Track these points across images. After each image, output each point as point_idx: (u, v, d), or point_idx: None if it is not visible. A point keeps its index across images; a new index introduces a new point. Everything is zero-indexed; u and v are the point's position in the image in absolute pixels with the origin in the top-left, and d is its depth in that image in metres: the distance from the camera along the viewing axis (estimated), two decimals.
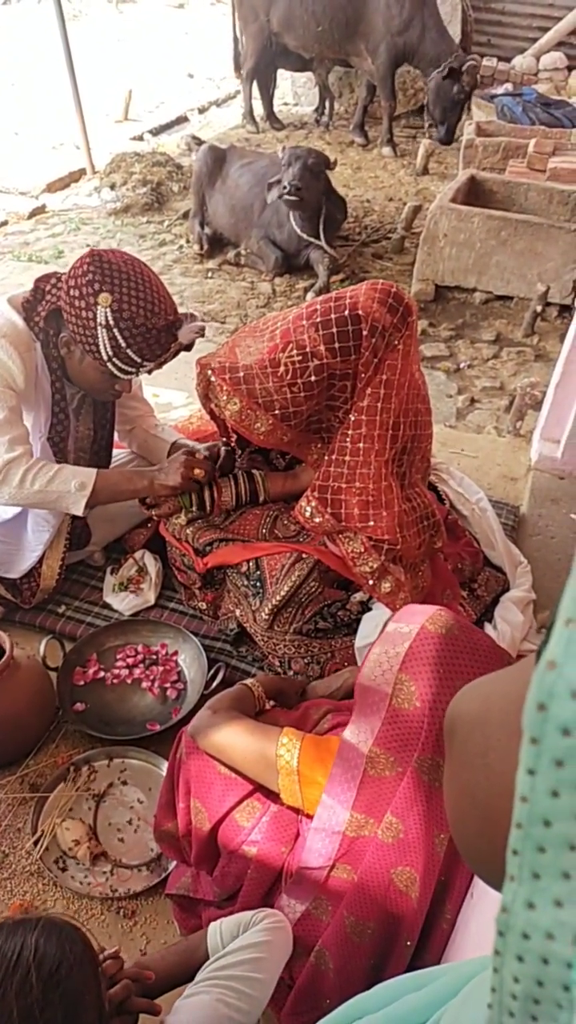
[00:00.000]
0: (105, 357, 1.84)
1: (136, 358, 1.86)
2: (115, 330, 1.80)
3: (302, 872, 1.29)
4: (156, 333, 1.84)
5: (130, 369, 1.89)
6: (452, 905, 1.25)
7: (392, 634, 1.24)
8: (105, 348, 1.83)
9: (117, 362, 1.86)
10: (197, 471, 2.03)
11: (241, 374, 1.80)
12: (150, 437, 2.33)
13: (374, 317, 1.74)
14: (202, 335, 1.97)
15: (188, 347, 1.96)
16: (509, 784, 0.36)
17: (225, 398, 1.82)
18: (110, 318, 1.79)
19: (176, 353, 1.94)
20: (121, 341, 1.82)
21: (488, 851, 0.40)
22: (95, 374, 1.93)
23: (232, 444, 2.22)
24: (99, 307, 1.78)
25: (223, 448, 2.17)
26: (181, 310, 1.94)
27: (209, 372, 1.84)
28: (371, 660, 1.23)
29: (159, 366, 1.94)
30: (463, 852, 0.44)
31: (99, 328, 1.80)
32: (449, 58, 6.07)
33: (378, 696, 1.21)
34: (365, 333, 1.74)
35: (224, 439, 2.21)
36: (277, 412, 1.80)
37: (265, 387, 1.78)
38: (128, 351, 1.84)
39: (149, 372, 1.95)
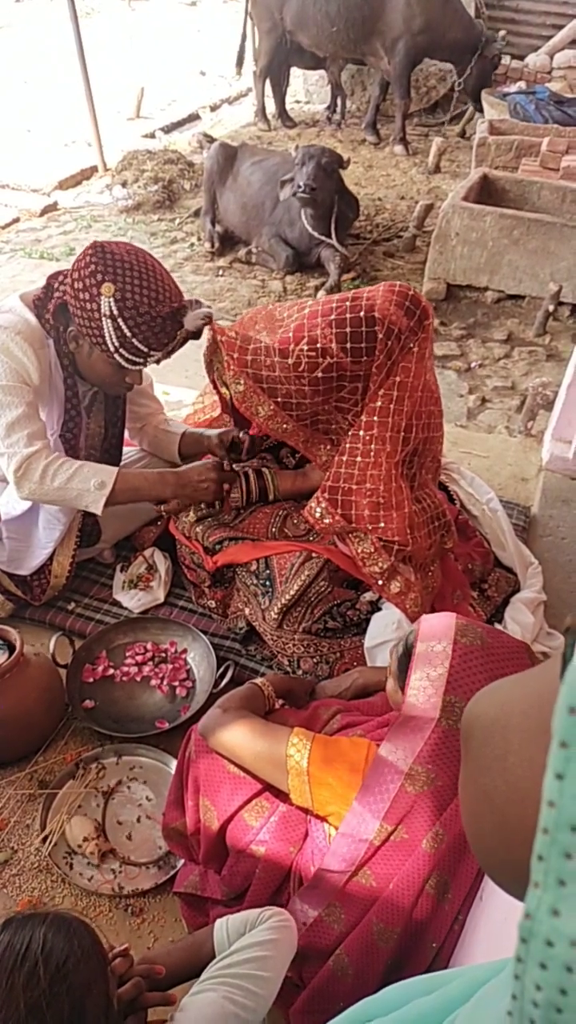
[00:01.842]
0: (112, 348, 1.84)
1: (142, 347, 1.85)
2: (120, 320, 1.79)
3: (321, 875, 1.29)
4: (161, 321, 1.83)
5: (137, 359, 1.88)
6: (464, 906, 1.24)
7: (427, 655, 1.23)
8: (111, 339, 1.82)
9: (124, 352, 1.85)
10: (227, 485, 2.07)
11: (250, 356, 1.80)
12: (160, 433, 2.33)
13: (391, 320, 1.73)
14: (209, 322, 1.95)
15: (196, 335, 1.94)
16: (528, 788, 0.35)
17: (231, 377, 1.82)
18: (114, 308, 1.78)
19: (184, 341, 1.92)
20: (126, 331, 1.81)
21: (505, 856, 0.39)
22: (104, 367, 1.92)
23: (239, 427, 2.22)
24: (103, 297, 1.77)
25: (245, 435, 2.15)
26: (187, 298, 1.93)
27: (219, 340, 1.83)
28: (413, 687, 1.22)
29: (167, 355, 1.93)
30: (479, 856, 0.44)
31: (104, 319, 1.79)
32: (478, 41, 6.19)
33: (422, 720, 1.20)
34: (381, 336, 1.73)
35: (226, 417, 2.22)
36: (280, 400, 1.80)
37: (272, 373, 1.78)
38: (134, 340, 1.83)
39: (157, 362, 1.94)
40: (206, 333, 1.91)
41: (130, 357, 1.86)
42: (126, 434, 2.32)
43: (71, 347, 1.93)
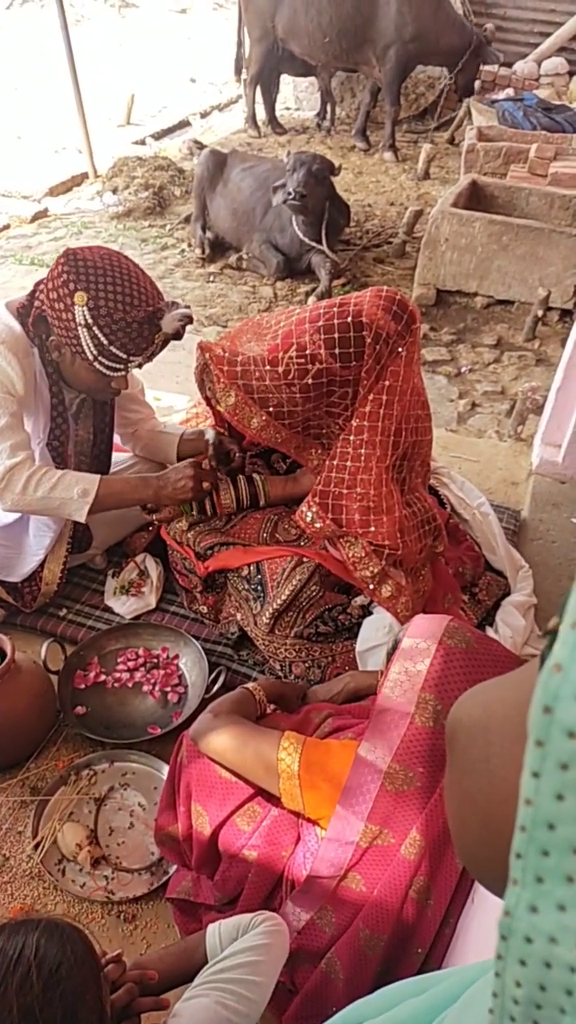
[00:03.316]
0: (91, 357, 1.83)
1: (121, 354, 1.83)
2: (95, 328, 1.78)
3: (312, 880, 1.29)
4: (137, 326, 1.81)
5: (117, 366, 1.86)
6: (454, 910, 1.25)
7: (410, 650, 1.23)
8: (89, 348, 1.81)
9: (103, 360, 1.84)
10: (205, 484, 2.04)
11: (239, 368, 1.80)
12: (156, 436, 2.32)
13: (378, 324, 1.74)
14: (189, 322, 1.92)
15: (177, 336, 1.92)
16: (511, 790, 0.36)
17: (221, 390, 1.82)
18: (88, 317, 1.77)
19: (164, 343, 1.91)
20: (103, 339, 1.80)
21: (489, 857, 0.40)
22: (88, 374, 1.91)
23: (234, 439, 2.23)
24: (76, 307, 1.76)
25: (240, 457, 2.17)
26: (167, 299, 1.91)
27: (207, 357, 1.83)
28: (391, 679, 1.23)
29: (148, 359, 1.91)
30: (463, 858, 0.44)
31: (80, 328, 1.78)
32: (470, 42, 6.30)
33: (397, 715, 1.21)
34: (369, 340, 1.74)
35: (221, 431, 2.22)
36: (271, 409, 1.80)
37: (263, 383, 1.78)
38: (112, 348, 1.81)
39: (139, 366, 1.92)
40: (189, 334, 1.89)
41: (110, 364, 1.85)
42: (116, 440, 2.32)
43: (54, 356, 1.92)
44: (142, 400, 2.37)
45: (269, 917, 1.17)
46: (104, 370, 1.87)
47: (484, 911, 1.13)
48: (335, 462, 1.82)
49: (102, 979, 0.96)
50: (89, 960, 0.93)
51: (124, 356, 1.85)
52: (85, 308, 1.76)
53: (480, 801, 0.39)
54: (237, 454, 2.17)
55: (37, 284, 1.91)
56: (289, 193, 4.24)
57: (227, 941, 1.14)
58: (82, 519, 1.97)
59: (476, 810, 0.39)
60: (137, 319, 1.80)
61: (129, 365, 1.89)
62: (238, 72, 7.40)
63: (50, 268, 1.82)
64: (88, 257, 1.78)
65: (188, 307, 1.91)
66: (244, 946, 1.10)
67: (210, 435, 2.20)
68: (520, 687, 0.38)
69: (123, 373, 1.92)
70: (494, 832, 0.38)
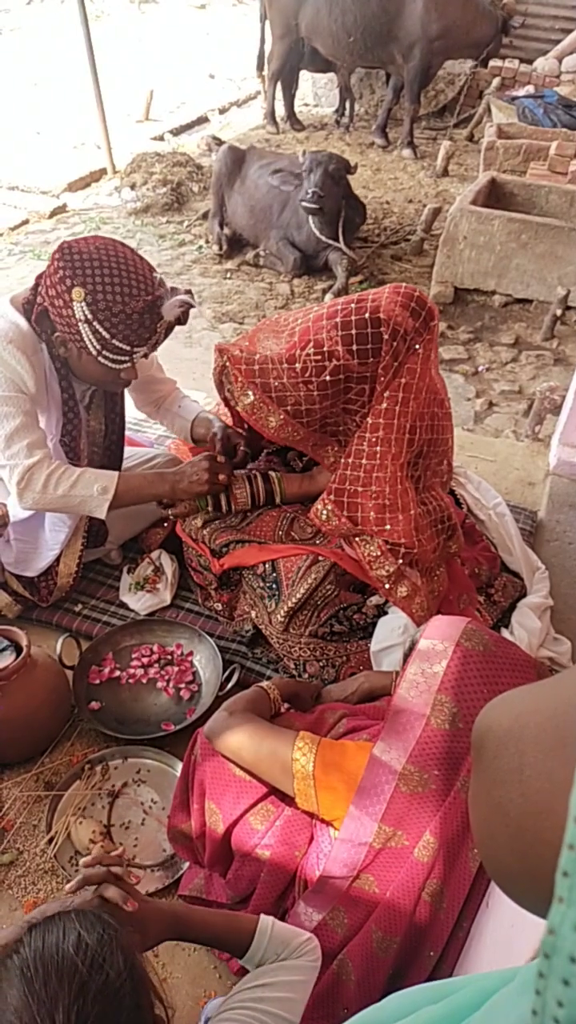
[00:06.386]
0: (95, 351, 1.81)
1: (124, 346, 1.81)
2: (95, 323, 1.76)
3: (324, 881, 1.29)
4: (138, 316, 1.79)
5: (122, 358, 1.84)
6: (468, 913, 1.24)
7: (427, 651, 1.23)
8: (91, 343, 1.79)
9: (108, 354, 1.82)
10: (221, 477, 2.04)
11: (257, 367, 1.79)
12: (175, 417, 2.32)
13: (396, 321, 1.73)
14: (192, 306, 1.89)
15: (182, 321, 1.88)
16: (546, 802, 0.35)
17: (239, 389, 1.82)
18: (87, 312, 1.74)
19: (168, 331, 1.89)
20: (104, 333, 1.77)
21: (519, 869, 0.39)
22: (95, 368, 1.88)
23: (243, 435, 2.22)
24: (75, 303, 1.74)
25: (245, 451, 2.17)
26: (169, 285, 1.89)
27: (226, 359, 1.83)
28: (407, 679, 1.22)
29: (153, 348, 1.90)
30: (491, 869, 0.43)
31: (80, 324, 1.76)
32: (498, 26, 6.33)
33: (413, 716, 1.20)
34: (386, 337, 1.73)
35: (238, 430, 2.22)
36: (289, 408, 1.80)
37: (281, 382, 1.78)
38: (114, 341, 1.79)
39: (145, 356, 1.90)
40: (206, 332, 1.88)
41: (115, 357, 1.83)
42: (128, 433, 2.32)
43: (60, 351, 1.90)
44: (161, 377, 2.35)
45: (315, 948, 1.14)
46: (109, 363, 1.85)
47: (499, 915, 1.12)
48: (350, 460, 1.82)
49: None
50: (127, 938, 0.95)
51: (128, 348, 1.82)
52: (84, 304, 1.74)
53: (511, 813, 0.38)
54: (242, 448, 2.17)
55: (38, 277, 1.88)
56: (306, 193, 4.24)
57: (273, 948, 1.11)
58: (102, 516, 1.97)
59: (507, 822, 0.39)
60: (137, 309, 1.78)
61: (134, 356, 1.86)
62: (260, 68, 7.40)
63: (47, 263, 1.80)
64: (83, 249, 1.76)
65: (189, 291, 1.89)
66: (288, 979, 1.08)
67: (217, 426, 2.19)
68: (555, 698, 0.37)
69: (129, 364, 1.89)
70: (525, 845, 0.37)
